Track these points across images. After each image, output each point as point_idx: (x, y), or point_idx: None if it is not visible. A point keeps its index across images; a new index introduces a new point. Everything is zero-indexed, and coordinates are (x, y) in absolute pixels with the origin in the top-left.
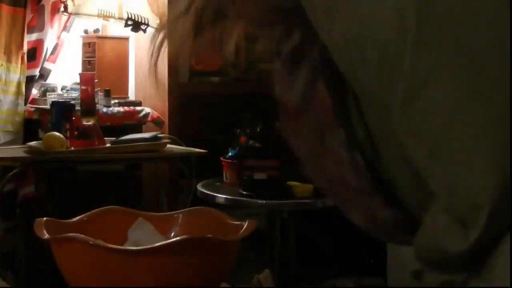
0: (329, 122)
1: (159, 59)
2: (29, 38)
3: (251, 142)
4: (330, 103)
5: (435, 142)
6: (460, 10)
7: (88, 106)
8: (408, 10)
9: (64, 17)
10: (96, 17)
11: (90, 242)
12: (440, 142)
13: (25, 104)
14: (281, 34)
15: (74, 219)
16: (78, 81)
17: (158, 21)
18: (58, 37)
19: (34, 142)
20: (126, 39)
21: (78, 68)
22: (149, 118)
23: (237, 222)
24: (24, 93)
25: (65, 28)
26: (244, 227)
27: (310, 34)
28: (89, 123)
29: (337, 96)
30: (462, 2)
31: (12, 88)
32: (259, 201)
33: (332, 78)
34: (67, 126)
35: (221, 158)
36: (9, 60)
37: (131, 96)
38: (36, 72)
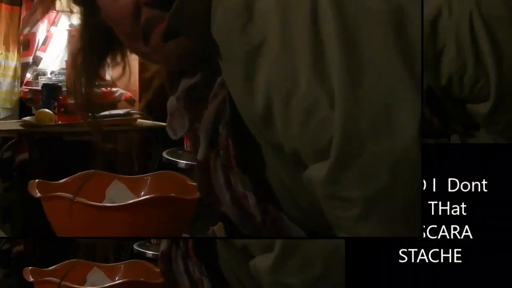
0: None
1: None
2: (24, 32)
3: None
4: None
5: None
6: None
7: None
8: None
9: (53, 14)
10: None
11: (75, 200)
12: None
13: (21, 86)
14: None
15: (60, 181)
16: (65, 66)
17: None
18: (48, 31)
19: (28, 117)
20: None
21: (65, 56)
22: (123, 97)
23: (195, 183)
24: (19, 76)
25: (53, 23)
26: None
27: (210, 76)
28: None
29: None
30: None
31: (10, 73)
32: None
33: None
34: (55, 104)
35: None
36: (7, 50)
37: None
38: (30, 59)
